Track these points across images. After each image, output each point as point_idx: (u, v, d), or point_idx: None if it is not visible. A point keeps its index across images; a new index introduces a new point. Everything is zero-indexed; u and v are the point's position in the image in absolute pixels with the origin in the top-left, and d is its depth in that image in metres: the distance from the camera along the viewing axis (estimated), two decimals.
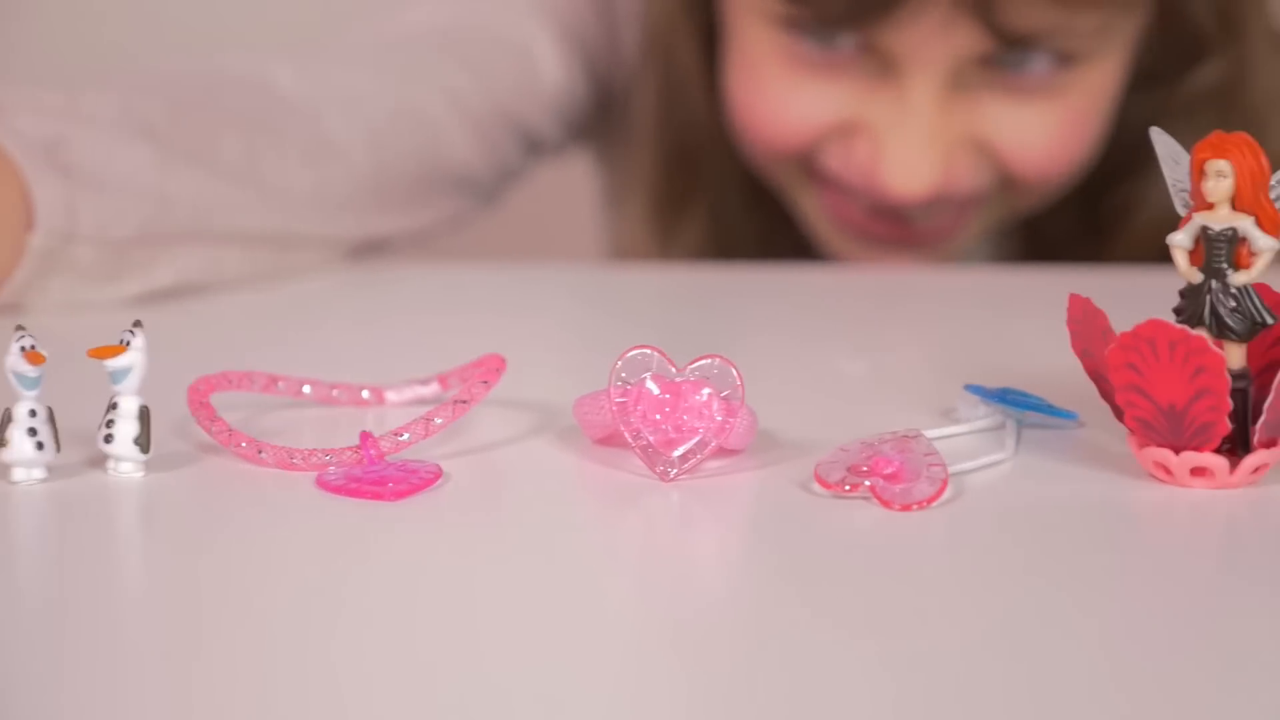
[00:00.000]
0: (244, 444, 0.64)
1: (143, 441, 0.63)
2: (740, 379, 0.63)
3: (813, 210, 1.06)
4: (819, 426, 0.69)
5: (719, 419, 0.63)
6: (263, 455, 0.64)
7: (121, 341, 0.63)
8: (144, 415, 0.63)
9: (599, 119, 1.16)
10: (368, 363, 0.81)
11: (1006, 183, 1.03)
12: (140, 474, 0.63)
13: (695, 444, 0.63)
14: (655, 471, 0.63)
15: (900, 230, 1.03)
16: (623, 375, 0.64)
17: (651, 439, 0.63)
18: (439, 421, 0.65)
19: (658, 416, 0.63)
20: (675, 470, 0.63)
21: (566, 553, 0.59)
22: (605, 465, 0.65)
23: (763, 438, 0.66)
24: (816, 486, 0.62)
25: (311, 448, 0.64)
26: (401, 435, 0.64)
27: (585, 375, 0.70)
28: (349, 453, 0.64)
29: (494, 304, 0.95)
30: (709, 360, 0.64)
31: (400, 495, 0.62)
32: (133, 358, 0.63)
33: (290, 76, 0.99)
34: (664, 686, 0.49)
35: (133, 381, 0.63)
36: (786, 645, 0.51)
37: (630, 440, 0.64)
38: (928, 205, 1.01)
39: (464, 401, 0.66)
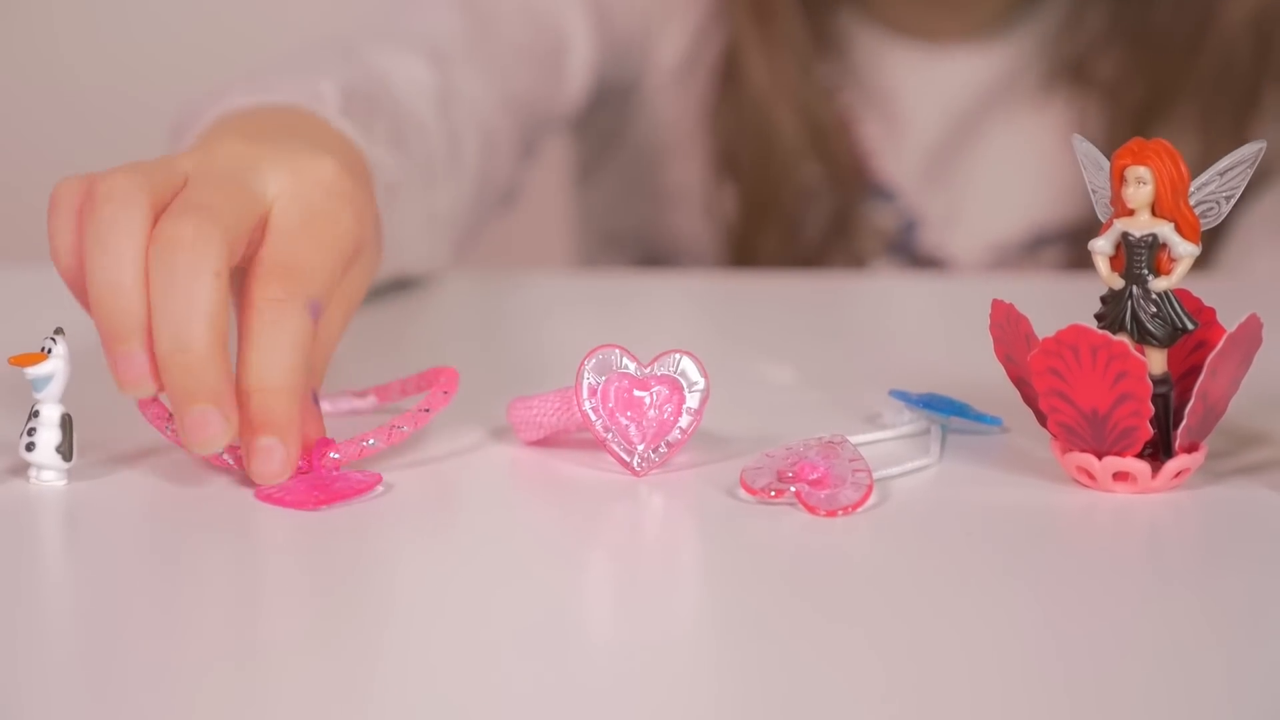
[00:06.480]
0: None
1: (65, 449, 0.63)
2: (704, 373, 0.64)
3: None
4: (744, 432, 0.69)
5: (685, 413, 0.64)
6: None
7: (43, 349, 0.63)
8: (66, 423, 0.63)
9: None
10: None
11: None
12: (63, 482, 0.63)
13: (665, 439, 0.64)
14: (628, 466, 0.64)
15: None
16: (589, 373, 0.64)
17: (622, 436, 0.64)
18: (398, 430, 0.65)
19: (629, 413, 0.64)
20: (646, 464, 0.64)
21: (483, 563, 0.58)
22: (534, 470, 0.65)
23: (689, 444, 0.66)
24: (742, 492, 0.62)
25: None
26: (367, 440, 0.64)
27: (511, 381, 0.70)
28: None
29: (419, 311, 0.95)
30: (673, 355, 0.65)
31: (330, 501, 0.61)
32: (54, 365, 0.62)
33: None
34: (591, 694, 0.49)
35: (54, 389, 0.63)
36: (712, 651, 0.51)
37: (602, 435, 0.64)
38: None
39: (426, 410, 0.65)
